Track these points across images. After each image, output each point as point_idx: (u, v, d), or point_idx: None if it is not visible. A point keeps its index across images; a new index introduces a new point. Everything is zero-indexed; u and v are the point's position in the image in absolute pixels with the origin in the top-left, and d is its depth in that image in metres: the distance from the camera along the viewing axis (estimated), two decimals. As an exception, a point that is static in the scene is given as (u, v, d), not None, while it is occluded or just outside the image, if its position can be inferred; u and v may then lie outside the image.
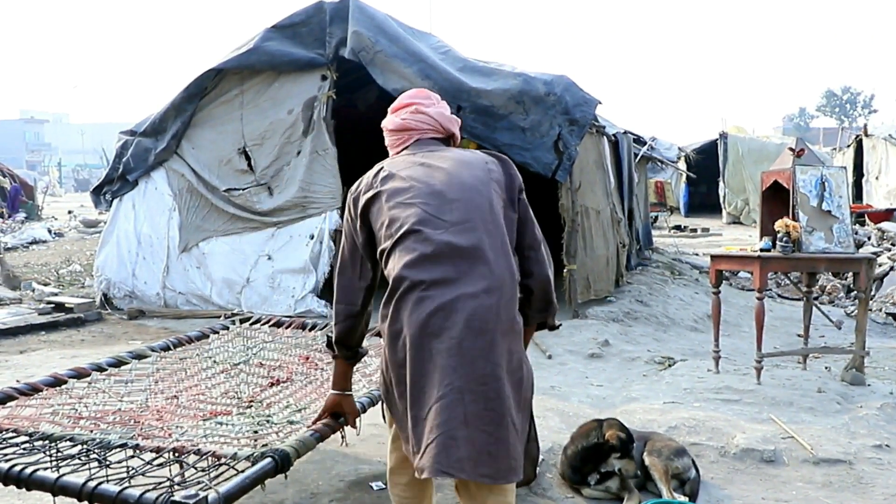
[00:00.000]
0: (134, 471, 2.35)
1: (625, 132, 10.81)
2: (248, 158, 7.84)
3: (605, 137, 9.07)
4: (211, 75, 7.81)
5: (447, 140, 2.61)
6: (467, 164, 2.40)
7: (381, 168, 2.48)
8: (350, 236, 2.50)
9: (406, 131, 2.58)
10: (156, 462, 2.44)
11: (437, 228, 2.23)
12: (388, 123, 2.63)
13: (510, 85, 7.10)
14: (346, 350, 2.56)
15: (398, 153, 2.57)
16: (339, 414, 2.68)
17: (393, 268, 2.27)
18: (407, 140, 2.57)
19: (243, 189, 7.84)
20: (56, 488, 2.24)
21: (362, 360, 2.77)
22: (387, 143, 2.63)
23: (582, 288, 7.59)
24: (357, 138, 11.65)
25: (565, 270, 7.31)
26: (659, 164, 15.76)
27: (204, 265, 7.94)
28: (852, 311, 8.13)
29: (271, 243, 7.75)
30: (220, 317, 4.81)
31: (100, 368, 3.50)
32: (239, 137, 7.85)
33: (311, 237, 7.59)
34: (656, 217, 19.08)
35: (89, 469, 2.39)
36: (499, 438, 2.09)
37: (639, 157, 12.19)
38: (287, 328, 4.32)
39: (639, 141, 12.94)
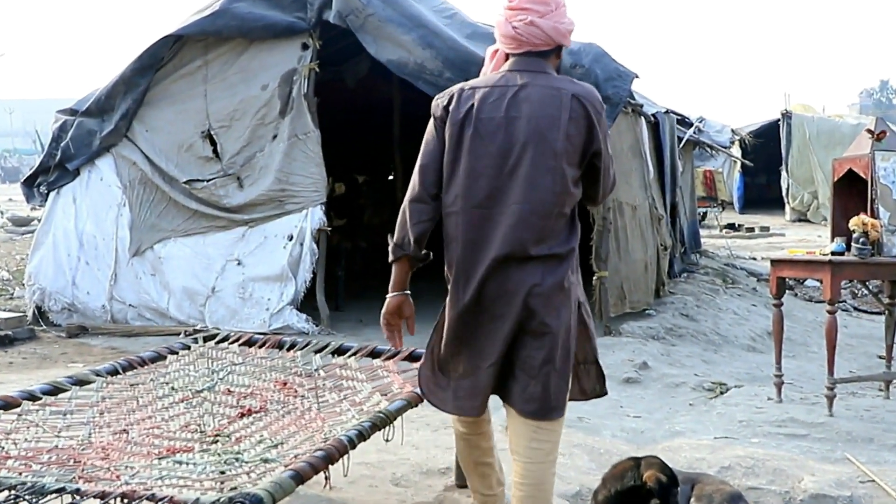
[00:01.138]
0: (74, 520, 2.34)
1: (667, 111, 10.82)
2: (213, 143, 7.87)
3: (642, 118, 9.07)
4: (168, 43, 7.84)
5: (555, 51, 2.99)
6: (546, 125, 2.83)
7: (473, 92, 2.94)
8: (432, 140, 2.99)
9: (516, 40, 2.96)
10: (101, 510, 2.43)
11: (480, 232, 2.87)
12: (499, 24, 3.00)
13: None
14: (420, 250, 3.00)
15: (504, 57, 3.03)
16: (398, 317, 3.13)
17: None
18: (517, 48, 2.97)
19: (208, 180, 7.86)
20: (-21, 542, 2.23)
21: (350, 386, 2.95)
22: (496, 36, 3.02)
23: (615, 299, 7.59)
24: (346, 119, 11.72)
25: (595, 278, 7.30)
26: (708, 149, 15.75)
27: (160, 272, 7.96)
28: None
29: (241, 245, 7.78)
30: (179, 334, 4.81)
31: (32, 397, 3.49)
32: (202, 118, 7.87)
33: (290, 238, 7.61)
34: (705, 214, 19.08)
35: (20, 518, 2.37)
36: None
37: (683, 142, 12.19)
38: (261, 347, 4.32)
39: (684, 122, 12.94)
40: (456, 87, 3.02)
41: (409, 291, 3.13)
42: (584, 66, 7.11)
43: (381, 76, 9.37)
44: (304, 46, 7.66)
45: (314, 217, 7.62)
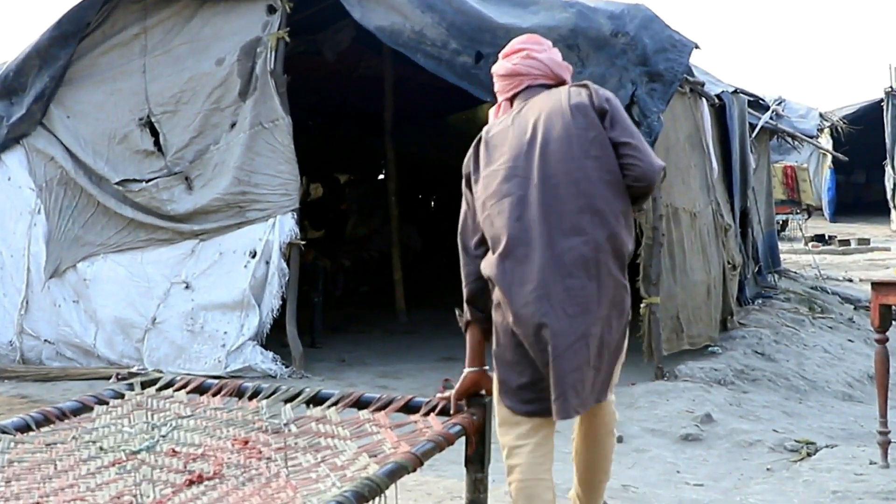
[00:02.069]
0: None
1: (735, 91, 10.83)
2: (154, 133, 7.91)
3: (704, 100, 9.08)
4: (96, 4, 7.90)
5: (557, 87, 3.78)
6: (563, 134, 3.58)
7: (482, 140, 3.75)
8: (465, 199, 3.76)
9: (517, 76, 3.85)
10: None
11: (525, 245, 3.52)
12: (498, 69, 3.92)
13: (557, 20, 7.16)
14: (480, 312, 3.70)
15: (508, 100, 3.88)
16: (473, 396, 3.62)
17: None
18: (518, 86, 3.84)
19: (147, 181, 7.90)
20: None
21: (329, 445, 3.01)
22: (496, 88, 3.93)
23: (669, 332, 7.57)
24: (324, 103, 11.77)
25: (643, 306, 7.29)
26: (789, 140, 15.75)
27: (85, 298, 7.99)
28: None
29: (191, 264, 7.81)
30: (109, 378, 4.81)
31: (-78, 459, 3.48)
32: (140, 101, 7.93)
33: (253, 255, 7.63)
34: (785, 222, 19.07)
35: None
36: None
37: (757, 130, 12.20)
38: (215, 395, 4.31)
39: (758, 104, 12.95)
40: (481, 135, 3.80)
41: (487, 367, 3.70)
42: (628, 33, 7.14)
43: (369, 48, 9.41)
44: (271, 9, 7.72)
45: (283, 227, 7.64)
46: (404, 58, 7.67)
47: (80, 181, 8.01)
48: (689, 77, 8.18)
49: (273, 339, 7.76)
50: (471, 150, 3.81)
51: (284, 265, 7.63)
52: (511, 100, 3.87)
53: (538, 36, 4.03)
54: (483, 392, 3.67)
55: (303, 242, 7.90)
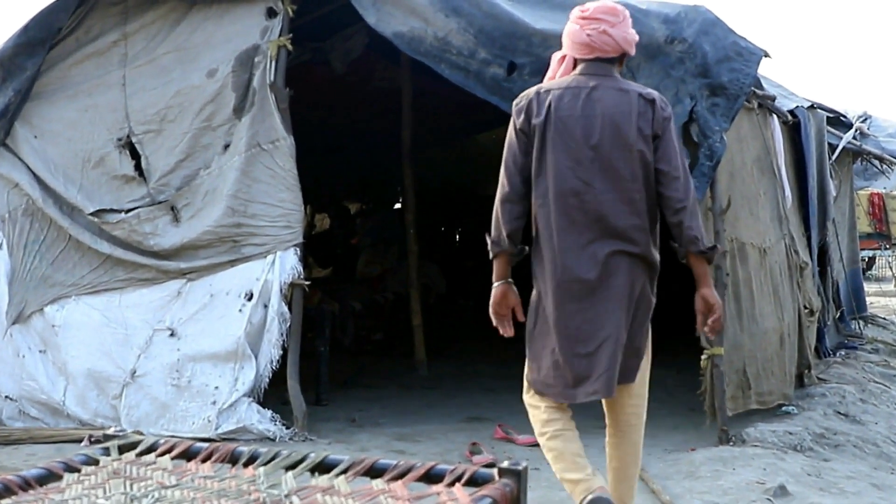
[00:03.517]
0: None
1: (812, 106, 10.80)
2: (135, 156, 7.95)
3: (775, 117, 9.08)
4: (69, 7, 7.95)
5: (620, 58, 4.98)
6: (619, 127, 4.80)
7: (548, 93, 4.87)
8: (516, 142, 4.93)
9: (588, 47, 4.87)
10: None
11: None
12: (573, 34, 4.93)
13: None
14: (514, 246, 4.93)
15: (573, 63, 5.00)
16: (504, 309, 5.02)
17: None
18: (587, 54, 4.89)
19: (127, 211, 7.93)
20: None
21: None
22: (564, 43, 5.01)
23: (735, 389, 7.52)
24: (331, 121, 11.82)
25: (703, 358, 7.24)
26: (876, 163, 15.68)
27: (54, 347, 8.01)
28: None
29: (177, 307, 7.83)
30: (81, 441, 4.82)
31: None
32: (119, 118, 7.98)
33: (249, 297, 7.63)
34: (872, 259, 18.97)
35: None
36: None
37: (838, 152, 12.15)
38: (204, 462, 4.27)
39: (838, 122, 12.92)
40: (531, 91, 4.96)
41: (511, 280, 5.01)
42: (685, 39, 7.09)
43: (385, 57, 9.45)
44: (271, 13, 7.77)
45: (285, 265, 7.65)
46: (425, 69, 7.68)
47: (48, 211, 8.05)
48: (757, 90, 8.18)
49: (272, 395, 7.75)
50: (532, 95, 4.91)
51: (286, 309, 7.61)
52: (576, 60, 4.97)
53: (615, 6, 4.99)
54: (513, 312, 5.03)
55: (307, 283, 7.88)
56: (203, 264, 7.80)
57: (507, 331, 5.01)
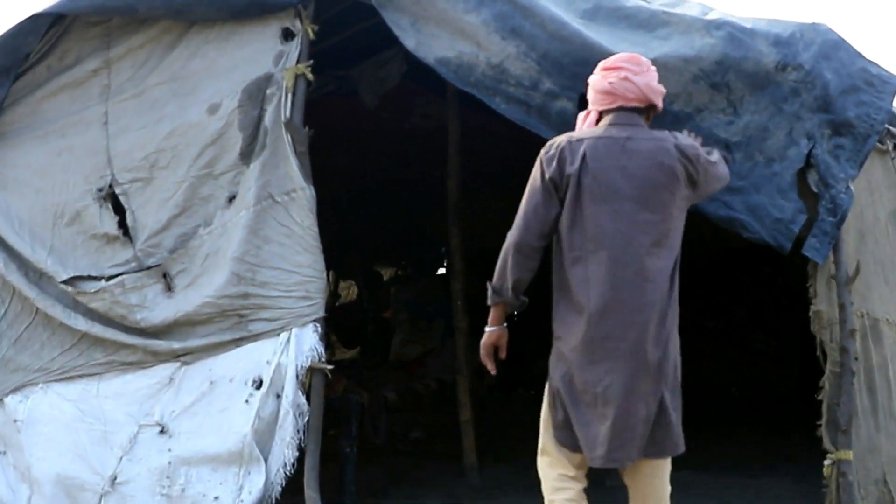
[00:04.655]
0: None
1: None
2: (119, 211, 7.97)
3: (916, 161, 8.99)
4: (40, 28, 8.01)
5: (647, 110, 5.89)
6: (655, 183, 5.68)
7: (580, 143, 5.70)
8: (541, 189, 5.73)
9: (611, 95, 5.79)
10: None
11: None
12: (595, 83, 5.90)
13: (698, 47, 7.12)
14: (517, 298, 5.86)
15: (597, 117, 5.92)
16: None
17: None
18: (610, 103, 5.80)
19: (109, 278, 7.95)
20: None
21: None
22: (589, 98, 5.96)
23: (873, 503, 7.42)
24: (360, 166, 11.79)
25: (827, 463, 7.15)
26: None
27: (15, 447, 8.02)
28: None
29: (168, 398, 7.81)
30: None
31: None
32: (100, 164, 8.02)
33: (258, 385, 7.60)
34: None
35: None
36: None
37: None
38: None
39: None
40: (561, 138, 5.77)
41: (506, 325, 5.99)
42: (801, 66, 6.98)
43: (427, 89, 9.45)
44: (287, 34, 7.79)
45: (302, 346, 7.60)
46: (477, 103, 7.64)
47: (11, 279, 8.10)
48: (892, 128, 8.05)
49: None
50: (564, 143, 5.74)
51: (303, 400, 7.55)
52: (601, 112, 5.89)
53: (640, 56, 5.98)
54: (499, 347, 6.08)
55: (329, 367, 7.78)
56: (201, 344, 7.78)
57: (493, 369, 6.13)
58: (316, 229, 7.74)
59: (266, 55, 7.83)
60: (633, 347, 5.58)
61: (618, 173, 5.63)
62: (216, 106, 7.87)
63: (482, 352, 6.08)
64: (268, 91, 7.78)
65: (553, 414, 5.88)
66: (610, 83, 5.81)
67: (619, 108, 5.81)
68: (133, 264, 7.95)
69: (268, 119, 7.76)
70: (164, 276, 7.91)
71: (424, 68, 7.72)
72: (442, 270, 14.82)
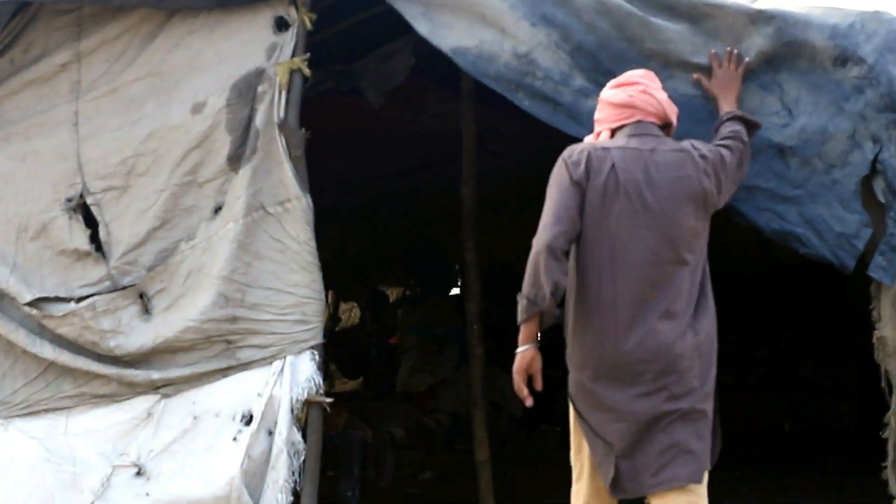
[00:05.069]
0: None
1: None
2: (91, 224, 7.93)
3: None
4: (2, 17, 7.96)
5: (664, 128, 6.16)
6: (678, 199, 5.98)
7: (607, 152, 5.97)
8: (567, 192, 5.96)
9: (631, 108, 6.07)
10: None
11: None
12: (611, 97, 6.17)
13: (745, 42, 7.03)
14: (555, 305, 5.85)
15: (610, 136, 6.17)
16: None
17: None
18: (629, 117, 6.06)
19: (79, 299, 7.90)
20: None
21: None
22: (598, 116, 6.26)
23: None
24: (363, 172, 11.73)
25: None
26: None
27: (-26, 491, 7.91)
28: None
29: (146, 435, 7.74)
30: None
31: None
32: (70, 170, 7.97)
33: (247, 420, 7.52)
34: None
35: None
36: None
37: None
38: None
39: None
40: (584, 145, 6.11)
41: (538, 345, 6.02)
42: (863, 60, 6.89)
43: (440, 85, 9.34)
44: (281, 24, 7.71)
45: (298, 376, 7.52)
46: (496, 101, 7.51)
47: (-30, 301, 8.04)
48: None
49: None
50: (589, 149, 6.03)
51: (298, 437, 7.47)
52: (614, 130, 6.17)
53: (653, 73, 6.37)
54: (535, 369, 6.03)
55: (328, 399, 7.71)
56: (183, 374, 7.71)
57: (528, 398, 6.08)
58: (313, 244, 7.66)
59: (257, 47, 7.75)
60: (662, 370, 5.88)
61: (645, 186, 5.92)
62: (201, 105, 7.80)
63: (516, 378, 6.07)
64: (259, 88, 7.69)
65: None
66: (630, 96, 6.12)
67: (639, 122, 6.12)
68: (106, 284, 7.89)
69: (259, 119, 7.68)
70: (142, 296, 7.85)
71: (435, 62, 7.68)
72: (456, 290, 14.75)
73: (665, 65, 6.95)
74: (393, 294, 15.67)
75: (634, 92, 6.14)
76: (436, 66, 7.79)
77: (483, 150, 10.03)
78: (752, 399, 12.73)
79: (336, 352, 10.70)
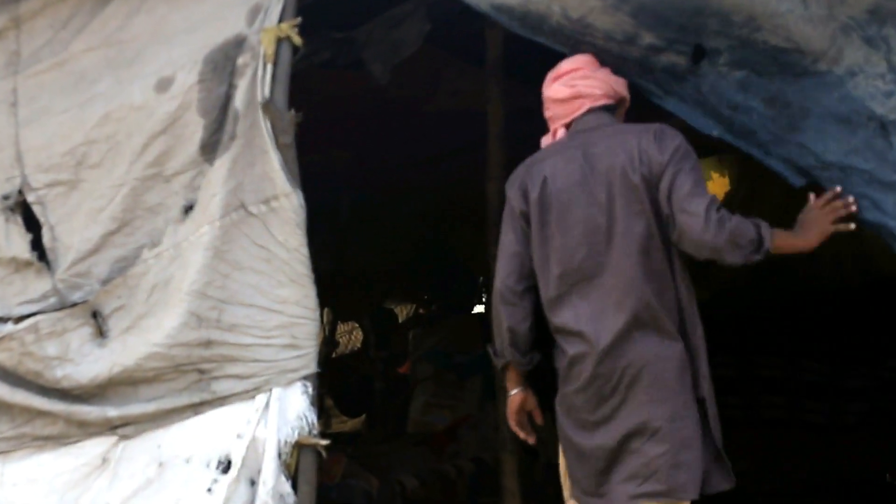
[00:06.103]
0: None
1: None
2: (32, 227, 8.01)
3: None
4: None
5: (618, 106, 6.84)
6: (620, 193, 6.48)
7: (542, 165, 6.66)
8: (508, 229, 6.80)
9: (577, 99, 6.68)
10: None
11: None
12: (555, 93, 6.77)
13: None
14: (521, 353, 6.78)
15: (566, 125, 6.79)
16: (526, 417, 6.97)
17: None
18: (578, 109, 6.68)
19: (18, 319, 7.97)
20: None
21: None
22: (548, 114, 6.88)
23: None
24: (367, 163, 11.77)
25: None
26: None
27: None
28: None
29: (101, 486, 7.79)
30: None
31: None
32: (7, 160, 8.10)
33: (225, 467, 7.54)
34: None
35: None
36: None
37: None
38: None
39: None
40: (521, 167, 6.80)
41: (527, 385, 6.87)
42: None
43: (458, 56, 9.38)
44: (265, -17, 7.74)
45: (286, 413, 7.54)
46: (529, 75, 7.54)
47: None
48: None
49: None
50: (522, 169, 6.82)
51: (288, 488, 7.47)
52: (567, 125, 6.77)
53: (586, 55, 6.92)
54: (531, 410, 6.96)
55: (325, 442, 7.69)
56: (147, 411, 7.74)
57: (530, 438, 7.09)
58: (306, 251, 7.65)
59: (236, 11, 7.79)
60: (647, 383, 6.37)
61: (580, 190, 6.49)
62: (167, 81, 7.85)
63: (510, 422, 7.02)
64: (239, 60, 7.72)
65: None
66: (572, 87, 6.74)
67: (588, 112, 6.73)
68: (52, 300, 7.94)
69: (239, 99, 7.69)
70: (95, 316, 7.87)
71: (454, 28, 7.66)
72: (479, 308, 14.78)
73: (750, 17, 7.01)
74: (402, 313, 15.71)
75: (576, 80, 6.74)
76: (455, 33, 7.81)
77: (512, 136, 10.05)
78: (847, 441, 12.65)
79: (333, 383, 10.72)
